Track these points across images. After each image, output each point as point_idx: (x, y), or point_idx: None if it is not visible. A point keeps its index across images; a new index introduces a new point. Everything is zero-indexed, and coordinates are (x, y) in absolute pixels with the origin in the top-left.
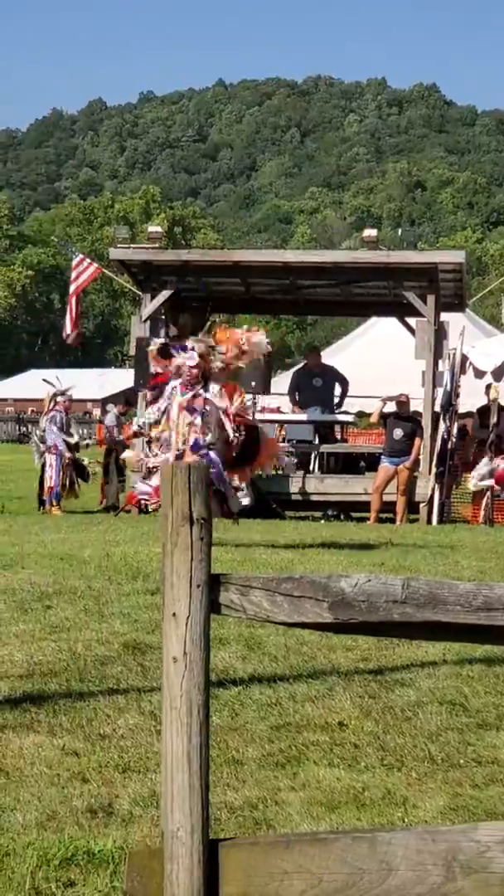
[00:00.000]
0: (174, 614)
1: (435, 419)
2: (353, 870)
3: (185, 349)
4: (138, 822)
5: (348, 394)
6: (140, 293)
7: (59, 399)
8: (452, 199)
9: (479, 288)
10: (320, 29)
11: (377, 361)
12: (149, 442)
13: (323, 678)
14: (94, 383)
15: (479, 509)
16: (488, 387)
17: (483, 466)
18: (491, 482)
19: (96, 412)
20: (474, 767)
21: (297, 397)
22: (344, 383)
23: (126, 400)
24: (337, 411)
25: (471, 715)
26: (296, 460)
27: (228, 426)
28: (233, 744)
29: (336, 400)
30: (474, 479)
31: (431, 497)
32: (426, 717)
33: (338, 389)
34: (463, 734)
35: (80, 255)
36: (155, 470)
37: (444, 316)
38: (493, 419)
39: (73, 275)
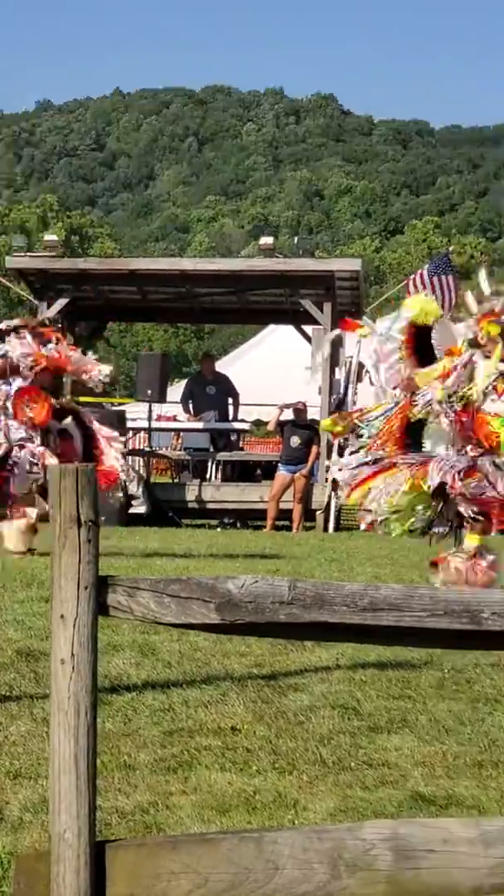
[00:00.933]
0: (62, 616)
1: None
2: (240, 869)
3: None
4: (28, 827)
5: (246, 402)
6: (37, 302)
7: None
8: (350, 207)
9: (376, 296)
10: (218, 38)
11: (274, 369)
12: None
13: (216, 683)
14: None
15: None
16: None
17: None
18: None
19: None
20: (365, 770)
21: (190, 406)
22: (235, 396)
23: None
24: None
25: (362, 718)
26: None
27: None
28: (125, 749)
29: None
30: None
31: (328, 504)
32: (318, 721)
33: (229, 401)
34: (354, 737)
35: None
36: None
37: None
38: None
39: None
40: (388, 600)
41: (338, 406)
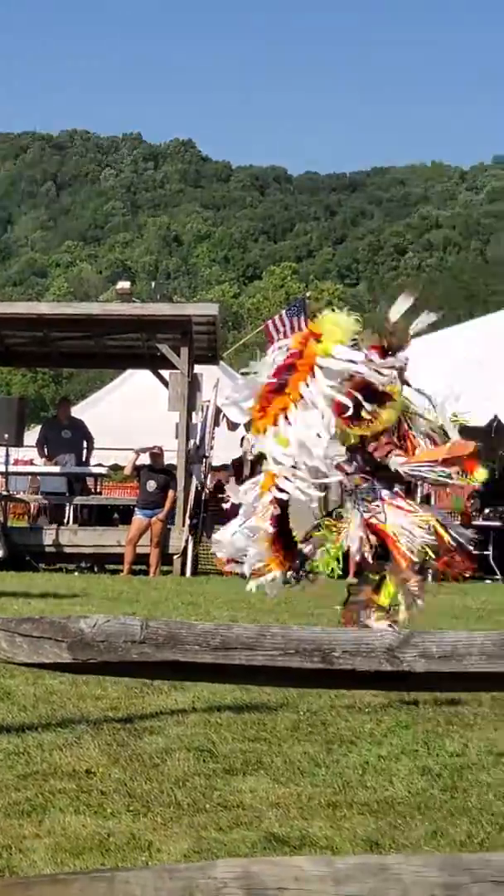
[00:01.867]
0: None
1: (187, 471)
2: None
3: None
4: None
5: (104, 446)
6: None
7: None
8: (209, 253)
9: (234, 341)
10: (76, 82)
11: (132, 414)
12: None
13: (72, 727)
14: None
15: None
16: (242, 439)
17: None
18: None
19: None
20: (220, 811)
21: (45, 450)
22: (90, 440)
23: None
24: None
25: (218, 761)
26: None
27: None
28: None
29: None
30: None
31: (185, 549)
32: (174, 763)
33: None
34: (210, 779)
35: None
36: None
37: (197, 368)
38: (247, 471)
39: None
40: (241, 639)
41: (196, 451)
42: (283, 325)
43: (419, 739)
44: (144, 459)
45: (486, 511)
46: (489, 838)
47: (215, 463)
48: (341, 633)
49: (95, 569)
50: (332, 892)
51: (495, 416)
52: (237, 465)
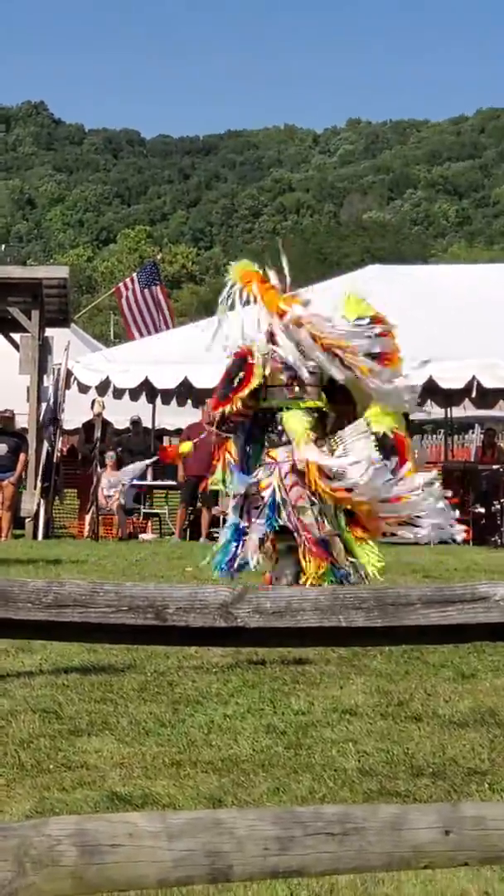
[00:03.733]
0: None
1: (39, 434)
2: None
3: None
4: None
5: None
6: None
7: None
8: (62, 216)
9: (87, 305)
10: None
11: None
12: None
13: None
14: None
15: (84, 524)
16: (93, 402)
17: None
18: None
19: None
20: (63, 772)
21: None
22: None
23: None
24: None
25: (64, 722)
26: None
27: None
28: None
29: None
30: None
31: (37, 512)
32: (19, 725)
33: None
34: (55, 740)
35: None
36: None
37: (48, 331)
38: (98, 433)
39: None
40: (73, 596)
41: (52, 418)
42: (135, 288)
43: (265, 698)
44: None
45: None
46: (330, 793)
47: (67, 427)
48: (175, 590)
49: None
50: (166, 847)
51: None
52: (87, 427)
